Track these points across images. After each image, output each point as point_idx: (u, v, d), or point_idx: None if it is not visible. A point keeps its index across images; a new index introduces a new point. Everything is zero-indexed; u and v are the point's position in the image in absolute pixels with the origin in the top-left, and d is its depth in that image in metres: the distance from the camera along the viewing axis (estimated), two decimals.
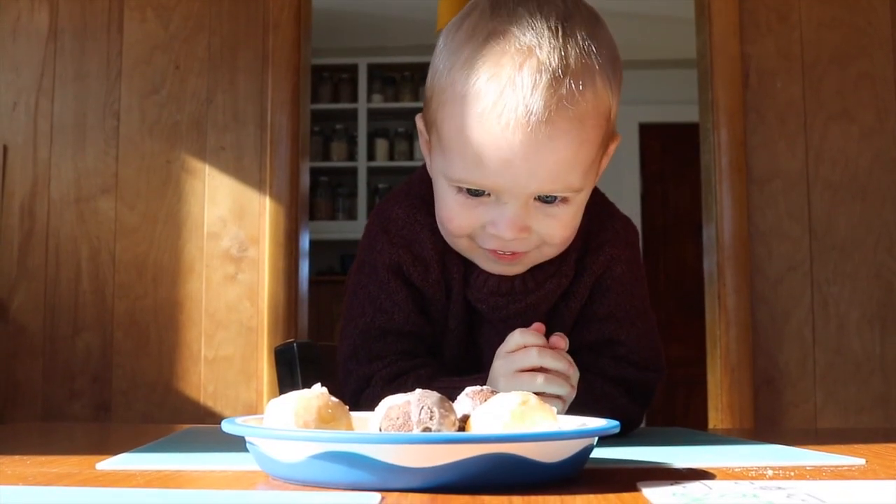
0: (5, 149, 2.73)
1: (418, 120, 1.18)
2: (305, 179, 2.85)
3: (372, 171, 6.18)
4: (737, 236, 2.65)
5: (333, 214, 6.20)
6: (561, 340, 1.07)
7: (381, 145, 6.18)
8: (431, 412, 0.70)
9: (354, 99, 6.16)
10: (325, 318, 5.24)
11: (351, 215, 6.14)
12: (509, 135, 1.01)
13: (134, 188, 2.71)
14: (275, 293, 2.66)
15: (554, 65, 1.01)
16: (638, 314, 1.22)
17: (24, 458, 0.85)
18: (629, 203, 6.11)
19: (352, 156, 6.19)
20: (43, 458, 0.85)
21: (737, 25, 2.71)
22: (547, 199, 1.07)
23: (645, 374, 1.20)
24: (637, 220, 6.16)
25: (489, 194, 1.07)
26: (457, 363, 1.20)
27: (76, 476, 0.73)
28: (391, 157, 6.18)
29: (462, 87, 1.04)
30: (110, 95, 2.75)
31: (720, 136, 2.68)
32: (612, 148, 1.14)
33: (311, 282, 2.98)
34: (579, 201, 1.10)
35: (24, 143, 2.74)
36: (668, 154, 6.33)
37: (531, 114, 1.00)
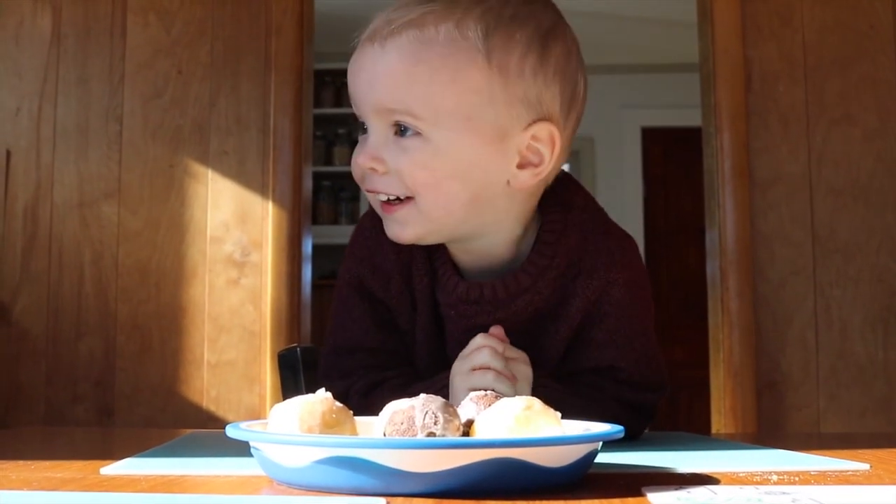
0: (8, 153, 2.73)
1: None
2: (308, 184, 2.85)
3: None
4: (739, 240, 2.64)
5: (336, 219, 6.20)
6: (498, 330, 1.09)
7: None
8: (436, 417, 0.70)
9: None
10: (327, 325, 5.23)
11: (354, 219, 6.14)
12: (361, 47, 1.10)
13: (137, 193, 2.72)
14: (278, 297, 2.66)
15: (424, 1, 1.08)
16: (637, 335, 1.18)
17: (29, 462, 0.85)
18: (631, 207, 6.12)
19: None
20: (47, 463, 0.85)
21: (739, 29, 2.71)
22: (402, 133, 1.07)
23: (644, 394, 1.18)
24: (639, 224, 6.17)
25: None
26: (430, 374, 1.18)
27: (81, 481, 0.73)
28: None
29: None
30: (113, 100, 2.75)
31: (723, 139, 2.68)
32: (544, 132, 1.09)
33: (314, 286, 2.98)
34: (438, 145, 1.06)
35: (27, 148, 2.74)
36: (671, 158, 6.33)
37: (379, 27, 1.07)
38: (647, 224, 6.25)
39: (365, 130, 1.12)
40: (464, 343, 1.09)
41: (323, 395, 0.74)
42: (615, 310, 1.16)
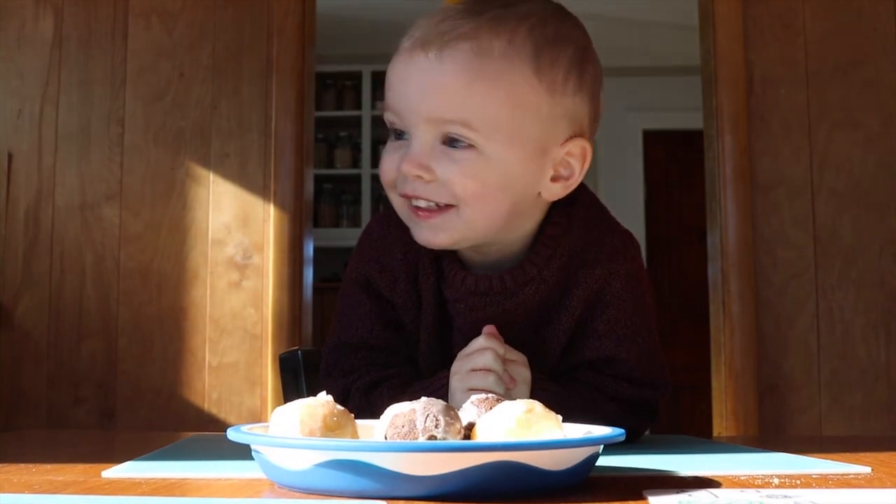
0: (10, 156, 2.73)
1: None
2: (309, 186, 2.85)
3: (376, 178, 6.17)
4: (741, 243, 2.64)
5: (337, 221, 6.21)
6: (493, 329, 1.10)
7: None
8: (437, 420, 0.70)
9: (358, 106, 6.17)
10: (329, 326, 5.23)
11: (355, 222, 6.15)
12: (410, 56, 1.10)
13: (138, 195, 2.72)
14: (279, 300, 2.66)
15: (474, 11, 1.10)
16: (639, 330, 1.19)
17: (30, 465, 0.85)
18: (633, 210, 6.11)
19: (356, 163, 6.19)
20: (49, 466, 0.85)
21: (741, 32, 2.71)
22: (452, 144, 1.08)
23: (644, 391, 1.18)
24: (641, 227, 6.16)
25: (408, 137, 1.11)
26: (432, 373, 1.19)
27: (82, 484, 0.73)
28: None
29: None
30: (115, 102, 2.75)
31: (724, 143, 2.68)
32: (578, 147, 1.14)
33: (316, 289, 2.98)
34: (490, 157, 1.08)
35: (28, 151, 2.74)
36: (672, 161, 6.33)
37: (430, 40, 1.08)
38: (649, 227, 6.25)
39: (398, 136, 1.13)
40: (472, 338, 1.11)
41: (324, 398, 0.74)
42: (616, 301, 1.18)
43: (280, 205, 2.70)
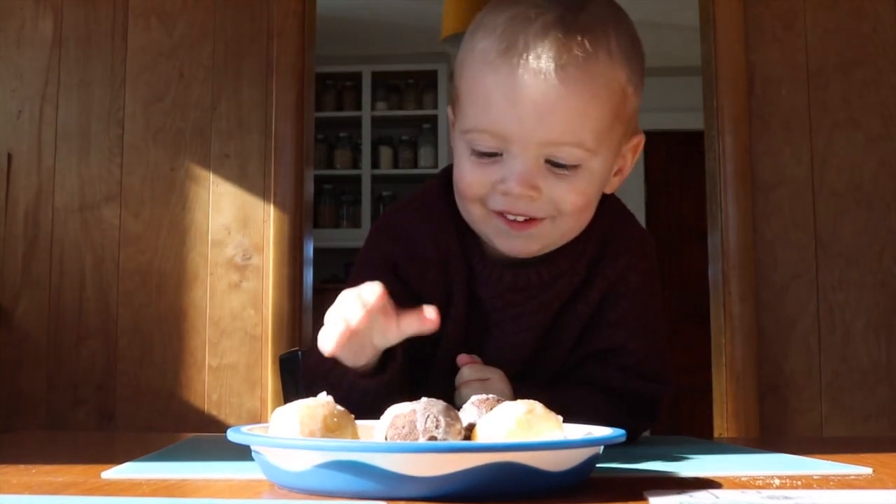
0: (10, 157, 2.73)
1: (449, 111, 1.20)
2: (309, 187, 2.84)
3: (376, 179, 6.18)
4: (742, 244, 2.64)
5: (337, 222, 6.20)
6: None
7: (385, 153, 6.18)
8: (437, 421, 0.70)
9: (358, 107, 6.17)
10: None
11: (355, 223, 6.15)
12: (517, 77, 1.04)
13: (138, 196, 2.71)
14: (279, 301, 2.66)
15: (567, 21, 1.05)
16: (648, 326, 1.22)
17: (29, 467, 0.85)
18: (633, 210, 6.06)
19: (356, 163, 6.19)
20: (48, 468, 0.85)
21: (742, 33, 2.71)
22: (558, 164, 1.07)
23: (650, 385, 1.20)
24: None
25: (501, 154, 1.08)
26: (453, 372, 1.18)
27: (82, 485, 0.73)
28: (395, 165, 6.19)
29: (478, 42, 1.09)
30: (114, 103, 2.75)
31: (725, 143, 2.68)
32: (637, 142, 1.16)
33: (316, 290, 2.98)
34: (593, 170, 1.09)
35: (28, 151, 2.74)
36: (673, 161, 6.33)
37: (541, 59, 1.04)
38: (649, 227, 6.24)
39: (486, 154, 1.09)
40: (512, 332, 1.13)
41: (324, 399, 0.74)
42: (630, 293, 1.20)
43: (280, 205, 2.70)
